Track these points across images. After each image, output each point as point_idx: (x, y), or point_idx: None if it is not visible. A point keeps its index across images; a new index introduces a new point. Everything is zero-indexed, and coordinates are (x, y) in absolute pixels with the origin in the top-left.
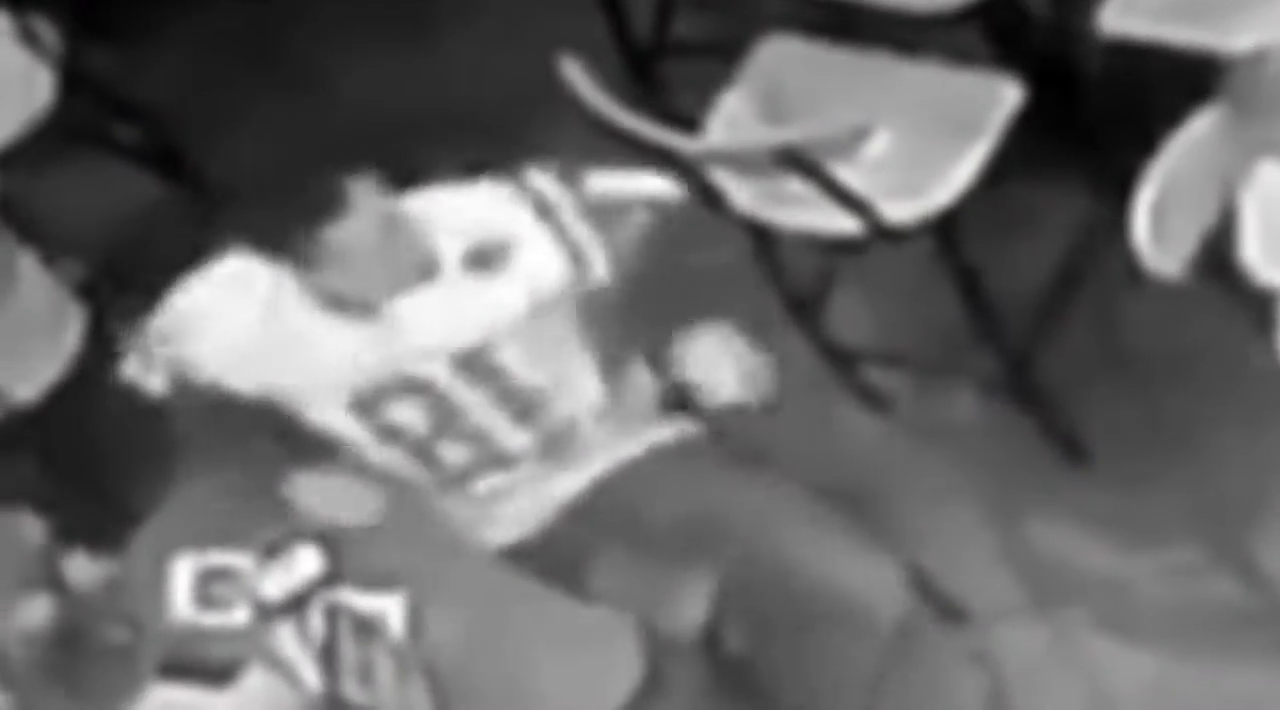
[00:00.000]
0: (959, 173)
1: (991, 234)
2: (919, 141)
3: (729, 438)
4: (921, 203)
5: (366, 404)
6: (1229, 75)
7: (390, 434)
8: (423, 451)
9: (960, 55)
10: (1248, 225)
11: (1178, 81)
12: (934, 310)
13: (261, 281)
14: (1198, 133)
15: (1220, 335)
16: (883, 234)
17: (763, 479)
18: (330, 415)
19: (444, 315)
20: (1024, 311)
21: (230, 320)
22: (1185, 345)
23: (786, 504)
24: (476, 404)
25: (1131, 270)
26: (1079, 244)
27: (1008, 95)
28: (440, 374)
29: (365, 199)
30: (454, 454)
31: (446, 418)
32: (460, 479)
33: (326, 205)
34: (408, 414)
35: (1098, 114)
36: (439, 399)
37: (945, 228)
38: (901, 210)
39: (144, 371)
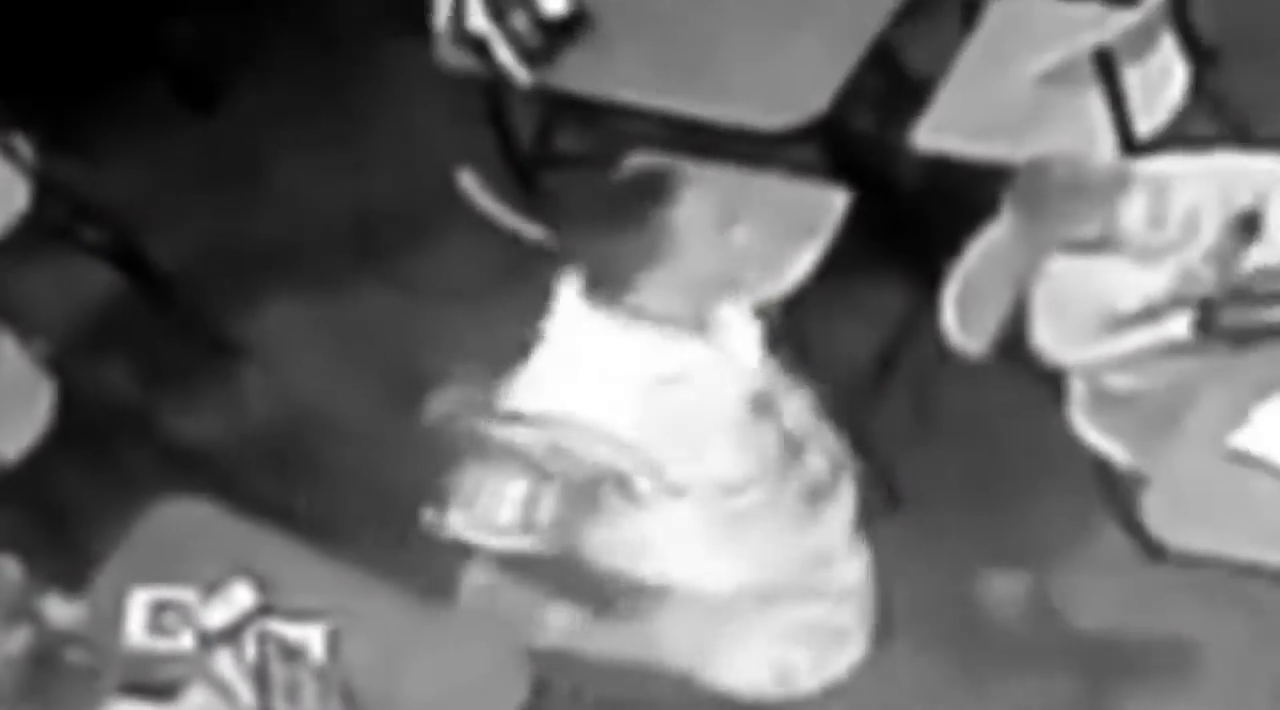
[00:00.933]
0: (800, 265)
1: (826, 317)
2: (767, 241)
3: None
4: (773, 287)
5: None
6: (1014, 183)
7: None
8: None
9: (800, 168)
10: (1038, 314)
11: (982, 191)
12: None
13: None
14: (994, 235)
15: (1018, 405)
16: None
17: None
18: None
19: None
20: (854, 381)
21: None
22: (988, 412)
23: None
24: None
25: (942, 350)
26: (898, 328)
27: (837, 202)
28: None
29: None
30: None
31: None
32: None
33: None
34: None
35: (914, 218)
36: None
37: (790, 307)
38: (758, 293)
39: None
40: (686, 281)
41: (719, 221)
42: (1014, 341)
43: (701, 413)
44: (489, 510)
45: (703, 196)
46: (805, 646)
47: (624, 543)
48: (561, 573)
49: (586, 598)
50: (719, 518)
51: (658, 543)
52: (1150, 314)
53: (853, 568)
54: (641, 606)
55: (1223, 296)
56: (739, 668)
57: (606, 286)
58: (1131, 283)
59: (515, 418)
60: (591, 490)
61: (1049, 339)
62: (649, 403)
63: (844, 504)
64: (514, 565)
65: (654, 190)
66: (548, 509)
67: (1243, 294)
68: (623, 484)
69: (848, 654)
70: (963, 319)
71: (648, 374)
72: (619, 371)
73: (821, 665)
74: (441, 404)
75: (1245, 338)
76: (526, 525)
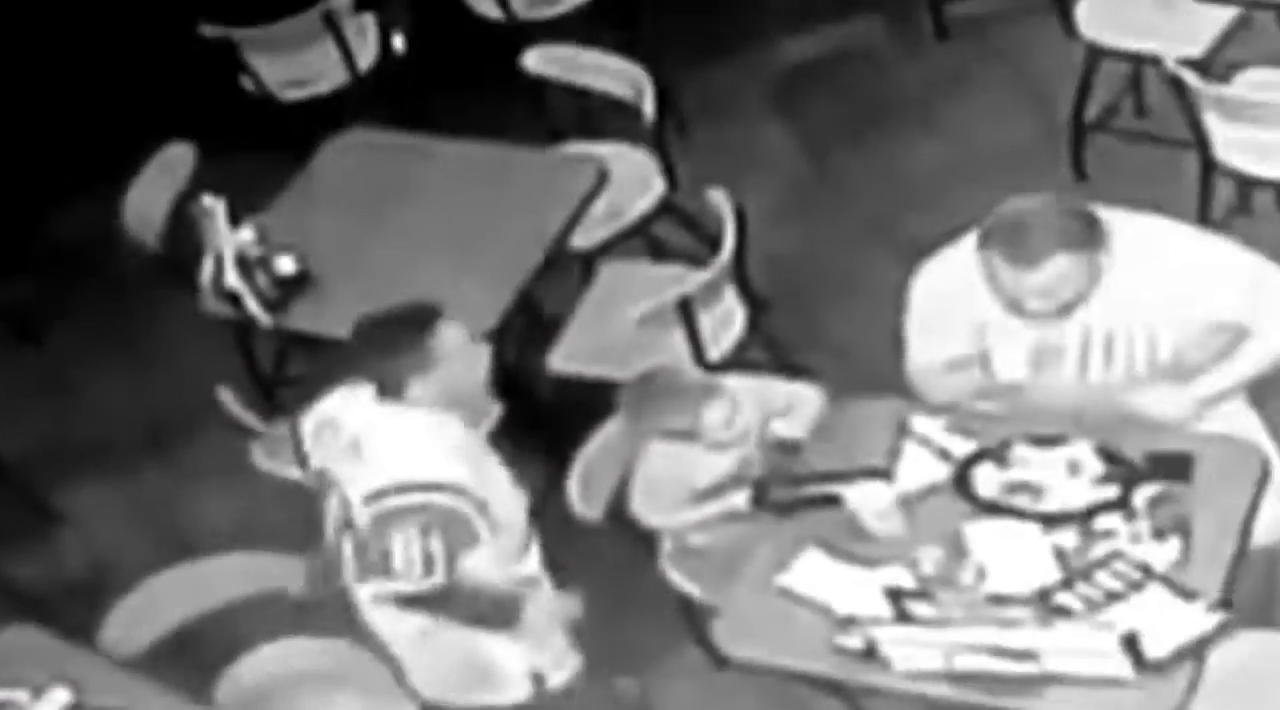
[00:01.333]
0: None
1: None
2: None
3: None
4: None
5: None
6: (623, 390)
7: None
8: None
9: None
10: (635, 489)
11: (598, 401)
12: None
13: None
14: (607, 432)
15: (625, 556)
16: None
17: None
18: None
19: None
20: None
21: None
22: (602, 564)
23: None
24: None
25: (568, 516)
26: (539, 494)
27: (494, 408)
28: None
29: None
30: None
31: None
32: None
33: None
34: None
35: (549, 420)
36: None
37: None
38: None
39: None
40: (448, 387)
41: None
42: (620, 509)
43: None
44: (383, 563)
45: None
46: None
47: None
48: (465, 599)
49: (493, 616)
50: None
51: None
52: (719, 490)
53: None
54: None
55: (770, 479)
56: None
57: (390, 389)
58: (707, 465)
59: (377, 495)
60: (462, 525)
61: (641, 507)
62: (455, 462)
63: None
64: (422, 604)
65: (422, 321)
66: (436, 546)
67: (784, 478)
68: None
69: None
70: (583, 494)
71: (443, 444)
72: (426, 442)
73: None
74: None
75: (787, 509)
76: (425, 564)
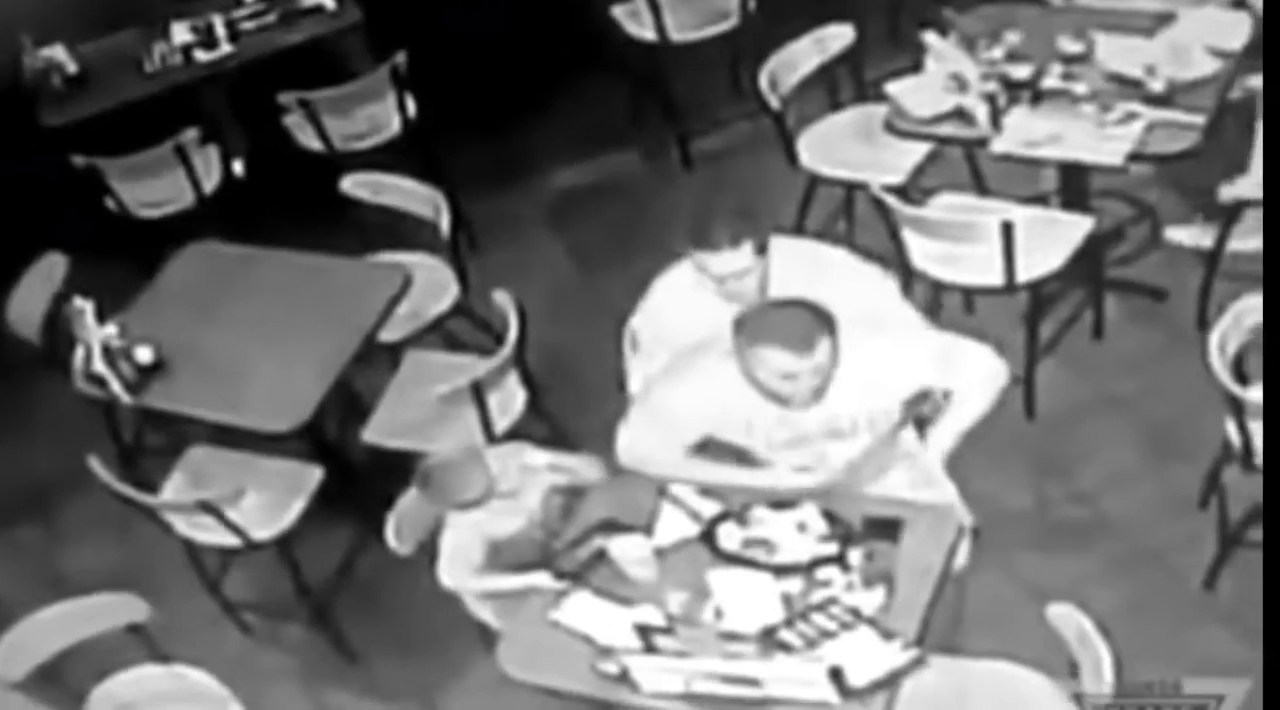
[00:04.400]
0: (291, 513)
1: (305, 546)
2: (271, 499)
3: None
4: (276, 528)
5: None
6: (419, 467)
7: None
8: None
9: (292, 453)
10: (441, 558)
11: (406, 467)
12: None
13: None
14: (408, 497)
15: (435, 592)
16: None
17: None
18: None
19: None
20: (326, 583)
21: None
22: (415, 597)
23: None
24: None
25: (387, 556)
26: (352, 548)
27: (315, 475)
28: None
29: None
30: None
31: None
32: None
33: None
34: None
35: (363, 484)
36: None
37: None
38: (265, 534)
39: None
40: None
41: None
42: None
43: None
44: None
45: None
46: None
47: None
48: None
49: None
50: None
51: None
52: (514, 545)
53: None
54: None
55: (556, 554)
56: None
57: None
58: (500, 524)
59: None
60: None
61: (448, 574)
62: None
63: None
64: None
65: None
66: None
67: (566, 547)
68: None
69: None
70: (398, 535)
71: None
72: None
73: None
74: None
75: (576, 574)
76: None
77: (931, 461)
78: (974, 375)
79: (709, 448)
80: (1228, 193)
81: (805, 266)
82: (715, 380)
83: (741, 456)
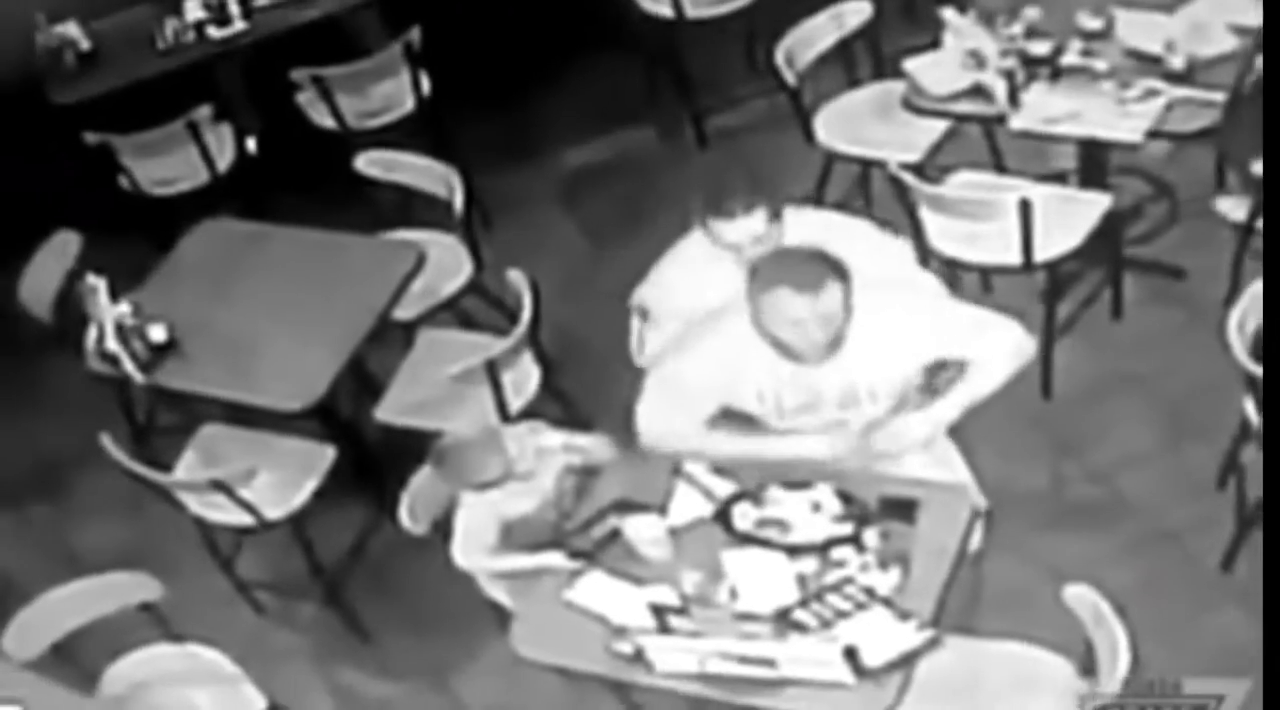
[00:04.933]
0: (305, 492)
1: (322, 523)
2: (284, 478)
3: None
4: (288, 508)
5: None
6: (435, 447)
7: None
8: None
9: (308, 432)
10: (455, 537)
11: (420, 445)
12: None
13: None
14: (423, 474)
15: (449, 569)
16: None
17: None
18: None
19: None
20: (340, 561)
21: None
22: (428, 575)
23: None
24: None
25: (400, 536)
26: (366, 527)
27: (329, 454)
28: None
29: None
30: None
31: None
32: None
33: None
34: None
35: (377, 462)
36: None
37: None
38: (278, 513)
39: None
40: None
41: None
42: (445, 527)
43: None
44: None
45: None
46: None
47: None
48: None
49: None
50: None
51: None
52: (526, 525)
53: None
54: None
55: (569, 533)
56: None
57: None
58: (515, 504)
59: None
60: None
61: (462, 553)
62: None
63: None
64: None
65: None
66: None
67: (579, 525)
68: None
69: None
70: (412, 514)
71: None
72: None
73: None
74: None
75: (589, 554)
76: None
77: (945, 442)
78: (997, 348)
79: (726, 419)
80: (1257, 168)
81: (823, 231)
82: (726, 346)
83: (754, 425)
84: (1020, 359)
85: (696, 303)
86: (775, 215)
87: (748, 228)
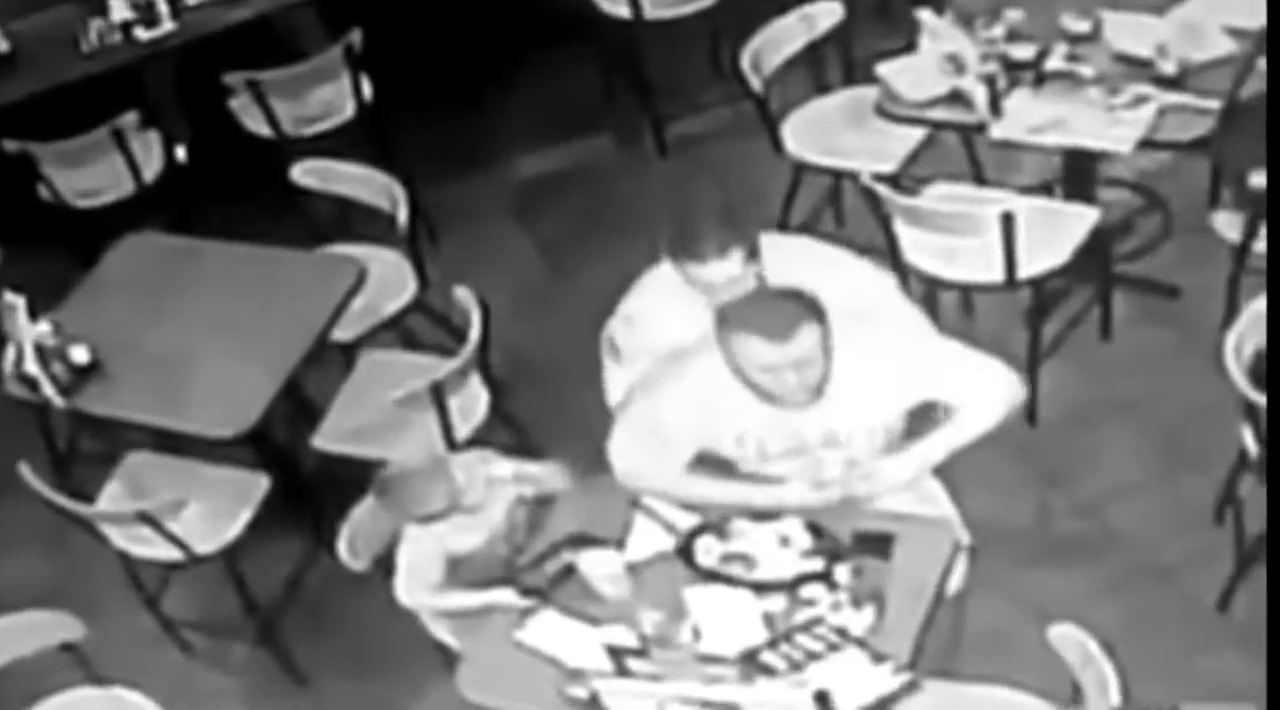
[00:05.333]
0: (238, 524)
1: (255, 558)
2: (214, 510)
3: None
4: (219, 541)
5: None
6: (378, 476)
7: None
8: None
9: (240, 461)
10: (398, 570)
11: (363, 475)
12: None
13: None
14: (366, 505)
15: (390, 607)
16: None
17: None
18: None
19: None
20: (272, 600)
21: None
22: (368, 612)
23: None
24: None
25: (339, 571)
26: (302, 560)
27: (262, 484)
28: None
29: None
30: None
31: None
32: None
33: None
34: None
35: (313, 493)
36: None
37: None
38: (208, 547)
39: None
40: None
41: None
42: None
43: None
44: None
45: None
46: None
47: None
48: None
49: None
50: None
51: None
52: (473, 561)
53: None
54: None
55: (521, 569)
56: None
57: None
58: (462, 538)
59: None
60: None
61: (405, 590)
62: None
63: None
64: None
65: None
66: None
67: (532, 562)
68: None
69: None
70: (351, 549)
71: None
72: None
73: None
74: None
75: (543, 591)
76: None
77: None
78: (985, 392)
79: (703, 463)
80: (1258, 181)
81: (800, 264)
82: (701, 386)
83: (732, 470)
84: (1007, 406)
85: (669, 337)
86: (751, 253)
87: (723, 270)
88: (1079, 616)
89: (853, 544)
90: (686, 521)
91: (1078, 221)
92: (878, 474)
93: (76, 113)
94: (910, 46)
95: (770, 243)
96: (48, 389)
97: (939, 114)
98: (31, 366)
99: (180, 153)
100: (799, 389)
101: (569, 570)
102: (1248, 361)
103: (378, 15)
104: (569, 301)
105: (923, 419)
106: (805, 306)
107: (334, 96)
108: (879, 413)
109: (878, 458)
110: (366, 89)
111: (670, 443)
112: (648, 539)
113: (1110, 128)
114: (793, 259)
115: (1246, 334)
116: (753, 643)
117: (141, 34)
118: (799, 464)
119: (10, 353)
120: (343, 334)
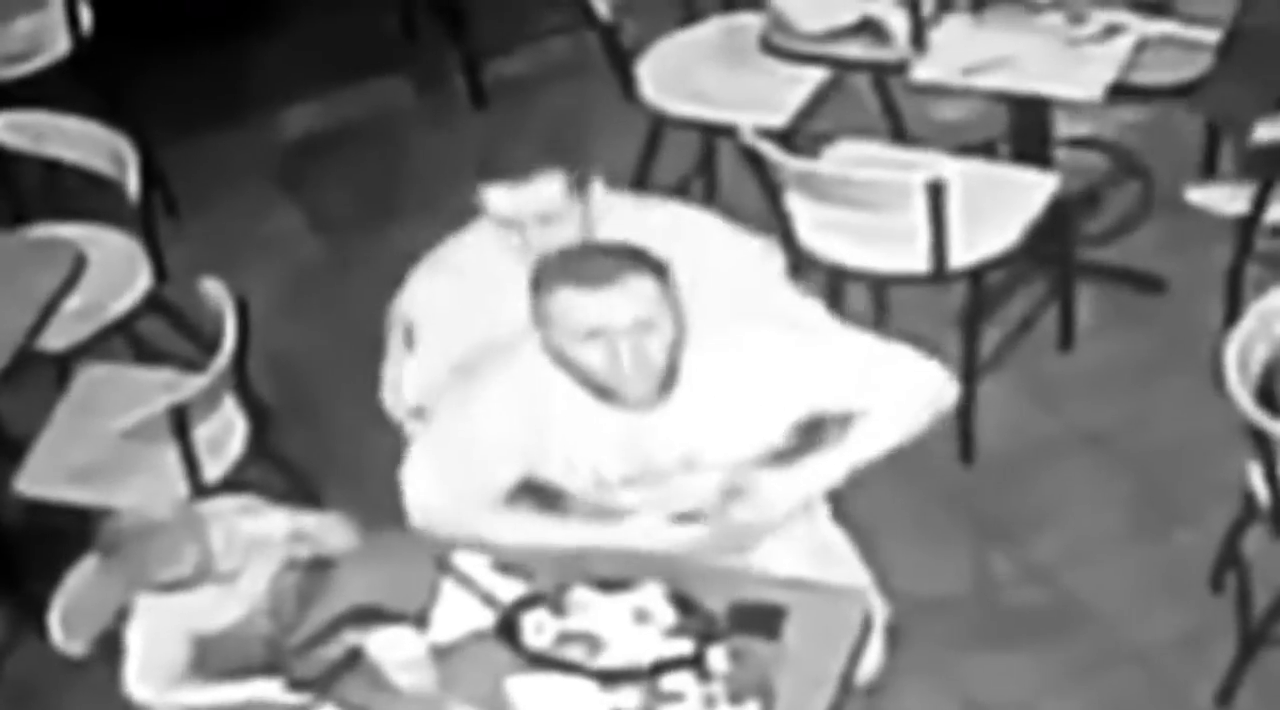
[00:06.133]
0: None
1: None
2: None
3: None
4: None
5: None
6: (101, 530)
7: None
8: None
9: None
10: (130, 653)
11: (80, 528)
12: None
13: None
14: (87, 567)
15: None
16: None
17: None
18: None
19: None
20: None
21: None
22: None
23: None
24: None
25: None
26: (2, 642)
27: None
28: None
29: None
30: None
31: None
32: None
33: None
34: None
35: (22, 553)
36: None
37: None
38: None
39: None
40: None
41: None
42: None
43: None
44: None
45: None
46: None
47: None
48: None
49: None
50: None
51: None
52: (225, 642)
53: None
54: None
55: (291, 655)
56: None
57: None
58: (214, 613)
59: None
60: None
61: (137, 681)
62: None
63: None
64: None
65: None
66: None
67: (305, 644)
68: None
69: None
70: (67, 626)
71: None
72: None
73: None
74: None
75: (321, 684)
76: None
77: (828, 526)
78: (898, 394)
79: (528, 493)
80: (1266, 133)
81: (650, 227)
82: (522, 390)
83: (566, 503)
84: (931, 408)
85: (480, 325)
86: (579, 184)
87: (537, 197)
88: None
89: (731, 619)
90: (510, 590)
91: (1029, 193)
92: (755, 494)
93: None
94: None
95: (609, 197)
96: None
97: (845, 49)
98: None
99: None
100: (636, 372)
101: (353, 656)
102: (1255, 377)
103: None
104: (353, 296)
105: (817, 436)
106: (637, 256)
107: (41, 27)
108: (755, 426)
109: (754, 473)
110: (86, 18)
111: (486, 464)
112: (459, 613)
113: (1073, 68)
114: (641, 220)
115: (1253, 340)
116: None
117: None
118: (650, 494)
119: None
120: (53, 342)
